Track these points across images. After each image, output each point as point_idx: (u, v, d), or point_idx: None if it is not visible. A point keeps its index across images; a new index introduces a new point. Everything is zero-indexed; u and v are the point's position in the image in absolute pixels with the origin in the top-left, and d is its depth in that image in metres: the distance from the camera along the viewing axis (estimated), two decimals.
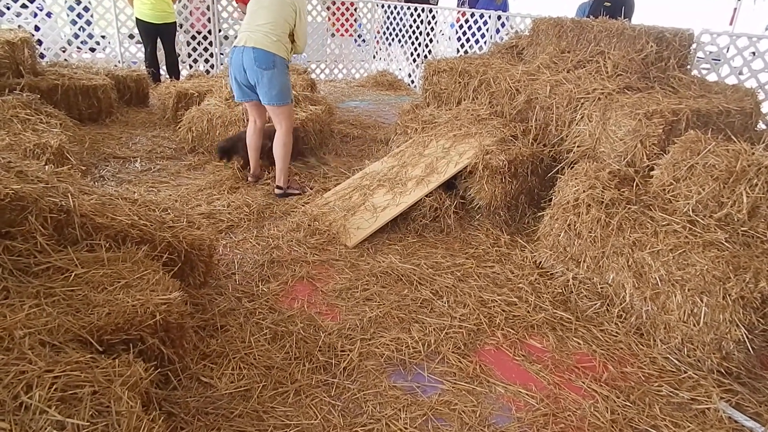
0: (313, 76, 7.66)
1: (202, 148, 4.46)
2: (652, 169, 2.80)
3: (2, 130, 3.30)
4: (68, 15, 6.78)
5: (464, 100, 4.17)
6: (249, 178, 3.83)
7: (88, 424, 1.28)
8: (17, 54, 4.54)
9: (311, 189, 3.81)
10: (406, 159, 3.71)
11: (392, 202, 3.33)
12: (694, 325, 2.16)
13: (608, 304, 2.52)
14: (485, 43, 6.67)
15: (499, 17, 6.60)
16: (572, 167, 3.08)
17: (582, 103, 3.34)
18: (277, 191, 3.65)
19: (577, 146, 3.32)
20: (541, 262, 2.92)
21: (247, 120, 3.77)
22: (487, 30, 6.66)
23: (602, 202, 2.61)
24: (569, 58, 3.86)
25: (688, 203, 2.45)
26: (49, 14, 6.53)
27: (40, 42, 6.25)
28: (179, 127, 4.57)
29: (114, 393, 1.39)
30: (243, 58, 3.29)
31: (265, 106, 3.49)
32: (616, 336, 2.38)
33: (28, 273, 1.78)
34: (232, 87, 3.57)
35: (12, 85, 4.35)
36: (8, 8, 6.04)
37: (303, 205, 3.51)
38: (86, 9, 6.64)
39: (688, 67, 3.92)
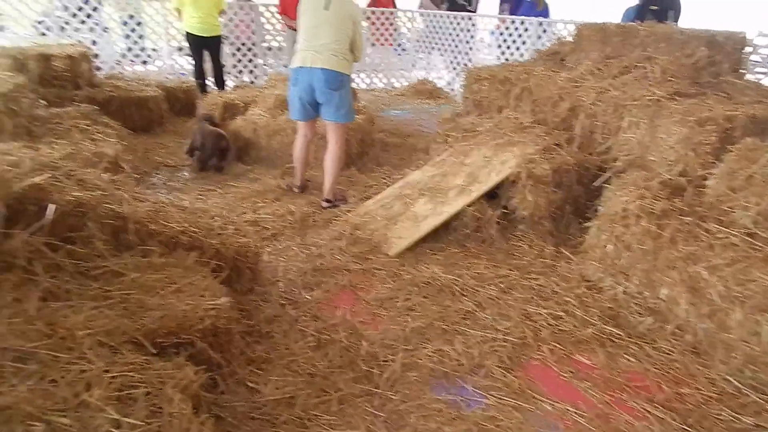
0: (354, 85, 7.74)
1: (248, 157, 4.57)
2: (706, 178, 2.68)
3: (63, 139, 3.47)
4: (122, 30, 7.12)
5: (505, 108, 4.13)
6: (295, 189, 3.85)
7: (142, 424, 1.32)
8: (77, 67, 4.78)
9: (353, 197, 3.84)
10: (447, 168, 3.69)
11: (433, 211, 3.32)
12: (757, 345, 2.04)
13: (661, 321, 2.42)
14: (526, 50, 6.60)
15: (540, 24, 6.52)
16: (620, 176, 2.99)
17: (629, 110, 3.25)
18: (324, 204, 3.69)
19: (625, 155, 3.22)
20: (588, 274, 2.84)
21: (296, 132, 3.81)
22: (528, 37, 6.59)
23: (653, 212, 2.53)
24: (615, 65, 3.77)
25: (747, 215, 2.33)
26: (105, 29, 6.86)
27: (96, 56, 6.56)
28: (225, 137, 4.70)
29: (166, 395, 1.43)
30: (312, 79, 3.32)
31: (328, 122, 3.52)
32: (671, 354, 2.27)
33: (88, 276, 1.86)
34: (292, 105, 3.57)
35: (72, 96, 4.59)
36: (68, 24, 6.38)
37: (345, 214, 3.55)
38: (139, 23, 6.95)
39: (743, 71, 3.76)
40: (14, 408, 1.20)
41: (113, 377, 1.40)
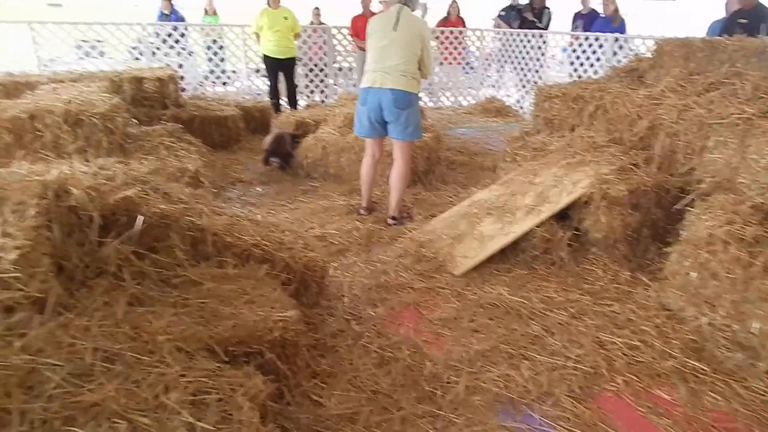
0: (421, 103, 7.80)
1: (317, 174, 4.71)
2: None
3: (151, 155, 3.74)
4: (206, 53, 7.61)
5: (578, 126, 4.00)
6: (361, 212, 3.87)
7: (214, 429, 1.37)
8: (165, 89, 5.17)
9: (419, 215, 3.84)
10: (515, 187, 3.61)
11: (500, 231, 3.25)
12: None
13: (752, 357, 2.22)
14: (600, 66, 6.38)
15: (616, 39, 6.29)
16: (704, 199, 2.80)
17: (715, 129, 3.04)
18: (390, 221, 3.72)
19: (711, 176, 3.02)
20: (668, 303, 2.66)
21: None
22: (603, 53, 6.37)
23: (743, 239, 2.33)
24: (699, 81, 3.56)
25: None
26: (190, 53, 7.37)
27: (182, 77, 7.06)
28: (296, 154, 4.88)
29: (236, 402, 1.48)
30: (381, 99, 3.38)
31: (395, 141, 3.57)
32: (764, 395, 2.07)
33: (169, 284, 1.98)
34: (360, 123, 3.62)
35: (160, 115, 4.96)
36: (158, 49, 6.91)
37: (410, 232, 3.55)
38: (221, 47, 7.41)
39: None
40: (102, 405, 1.29)
41: (189, 382, 1.47)
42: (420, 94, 8.16)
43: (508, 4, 8.71)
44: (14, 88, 4.56)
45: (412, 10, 3.45)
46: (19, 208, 1.70)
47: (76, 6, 15.85)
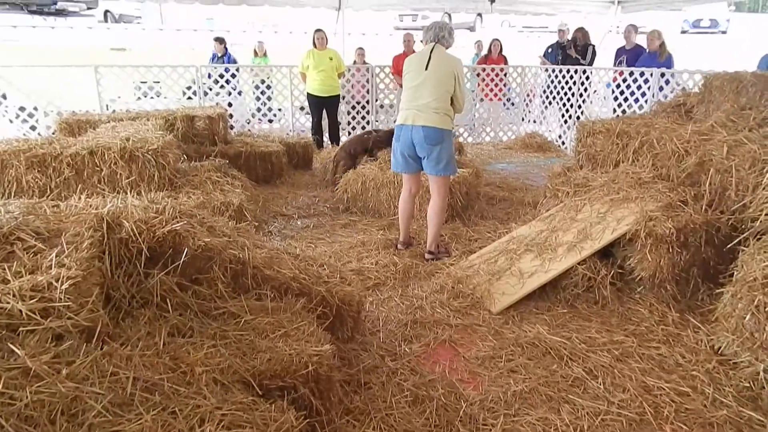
0: (461, 139, 7.85)
1: (355, 208, 4.78)
2: None
3: (198, 189, 3.91)
4: (254, 93, 7.97)
5: (622, 162, 3.91)
6: (399, 246, 3.90)
7: None
8: (214, 126, 5.42)
9: (456, 250, 3.82)
10: (557, 223, 3.55)
11: (540, 268, 3.19)
12: None
13: None
14: (646, 101, 6.26)
15: (662, 74, 6.18)
16: (759, 238, 2.67)
17: None
18: (427, 256, 3.72)
19: (766, 214, 2.87)
20: (720, 347, 2.51)
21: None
22: (649, 88, 6.26)
23: None
24: (751, 116, 3.44)
25: None
26: (239, 92, 7.74)
27: (231, 115, 7.39)
28: (336, 189, 4.98)
29: None
30: (413, 136, 3.46)
31: (429, 176, 3.61)
32: None
33: (209, 316, 2.03)
34: (395, 158, 3.70)
35: (208, 151, 5.19)
36: (210, 89, 7.29)
37: (447, 267, 3.53)
38: (268, 87, 7.74)
39: None
40: None
41: (223, 415, 1.50)
42: (461, 130, 8.25)
43: (554, 41, 8.76)
44: (78, 126, 4.90)
45: (447, 47, 3.51)
46: (75, 239, 1.81)
47: (138, 50, 17.00)
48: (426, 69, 3.42)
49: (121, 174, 3.67)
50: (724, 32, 19.97)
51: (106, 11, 18.28)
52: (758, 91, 3.60)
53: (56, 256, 1.67)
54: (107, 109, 6.83)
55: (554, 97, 7.84)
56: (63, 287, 1.51)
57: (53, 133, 5.23)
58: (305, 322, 2.10)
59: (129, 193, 2.76)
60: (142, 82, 7.34)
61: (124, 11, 18.76)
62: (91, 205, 2.19)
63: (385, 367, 2.43)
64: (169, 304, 1.96)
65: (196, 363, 1.65)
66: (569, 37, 8.12)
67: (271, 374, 1.79)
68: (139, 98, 7.34)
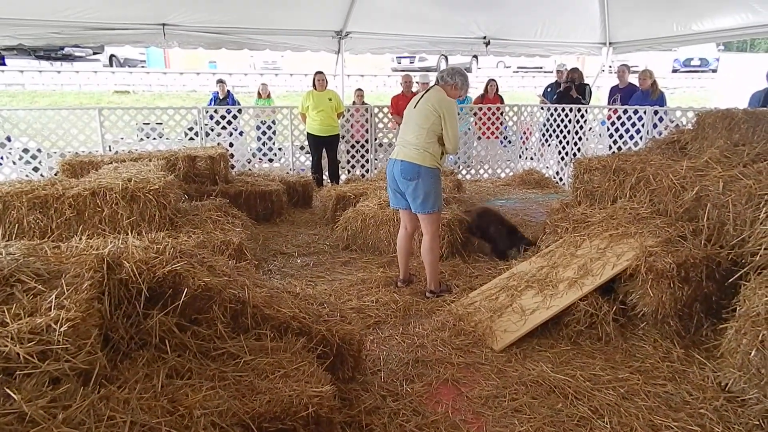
0: (459, 177, 7.93)
1: (355, 246, 4.79)
2: None
3: (199, 229, 3.93)
4: (255, 133, 8.10)
5: (620, 198, 3.95)
6: (399, 284, 3.89)
7: None
8: (215, 166, 5.49)
9: (457, 287, 3.80)
10: (557, 259, 3.55)
11: (542, 304, 3.17)
12: None
13: None
14: (641, 138, 6.36)
15: (656, 112, 6.30)
16: (760, 273, 2.67)
17: (766, 201, 2.94)
18: (428, 294, 3.71)
19: (765, 248, 2.88)
20: (727, 384, 2.47)
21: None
22: (643, 125, 6.38)
23: None
24: (744, 152, 3.50)
25: None
26: (241, 133, 7.86)
27: (232, 155, 7.49)
28: (336, 226, 5.00)
29: None
30: (394, 170, 3.58)
31: (416, 213, 3.63)
32: None
33: (208, 356, 2.01)
34: (389, 194, 3.83)
35: (209, 191, 5.24)
36: (212, 130, 7.42)
37: (448, 304, 3.51)
38: (269, 127, 7.88)
39: None
40: None
41: None
42: (460, 167, 8.33)
43: (553, 81, 9.00)
44: (80, 167, 4.96)
45: (455, 87, 3.57)
46: (75, 280, 1.81)
47: (141, 92, 17.37)
48: (414, 108, 3.56)
49: (122, 214, 3.69)
50: (714, 71, 20.47)
51: (112, 56, 18.77)
52: (750, 127, 3.67)
53: (56, 298, 1.66)
54: (110, 150, 6.92)
55: (552, 134, 7.97)
56: (62, 329, 1.50)
57: (56, 174, 5.28)
58: (305, 362, 2.07)
59: (130, 233, 2.77)
60: (144, 124, 7.48)
61: (129, 56, 19.26)
62: (91, 246, 2.19)
63: (386, 407, 2.38)
64: (167, 345, 1.94)
65: (195, 405, 1.62)
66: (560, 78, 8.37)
67: (271, 416, 1.75)
68: (141, 139, 7.46)
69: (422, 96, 3.56)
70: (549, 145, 8.22)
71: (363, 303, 3.52)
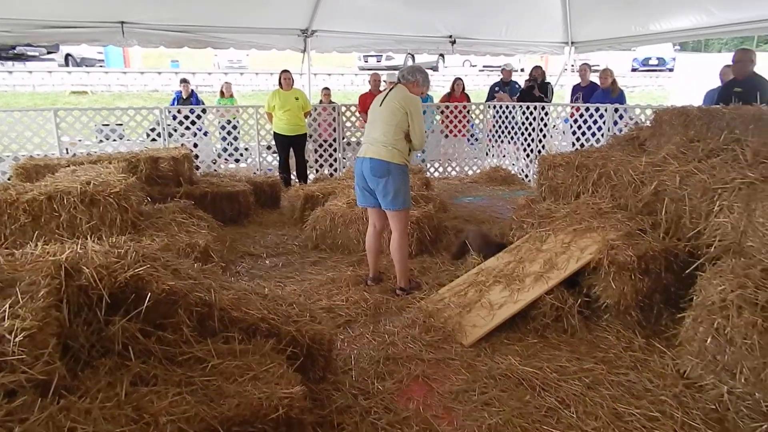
0: (428, 174, 7.98)
1: (325, 245, 4.76)
2: None
3: (163, 232, 3.83)
4: (220, 133, 7.95)
5: (583, 193, 4.05)
6: (368, 282, 3.90)
7: None
8: (179, 167, 5.36)
9: (426, 284, 3.83)
10: (523, 254, 3.62)
11: (510, 299, 3.22)
12: None
13: None
14: (602, 135, 6.54)
15: (616, 110, 6.49)
16: (714, 263, 2.78)
17: (720, 194, 3.07)
18: (398, 292, 3.73)
19: (719, 240, 3.01)
20: (686, 371, 2.57)
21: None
22: (604, 123, 6.56)
23: (756, 303, 2.29)
24: (699, 147, 3.63)
25: None
26: (205, 133, 7.71)
27: (197, 156, 7.34)
28: (305, 226, 4.96)
29: None
30: (363, 168, 3.58)
31: (386, 211, 3.65)
32: None
33: (174, 362, 1.96)
34: (356, 193, 3.82)
35: (173, 193, 5.11)
36: (175, 130, 7.25)
37: (418, 301, 3.53)
38: (235, 127, 7.75)
39: None
40: None
41: None
42: (427, 165, 8.38)
43: (498, 80, 9.18)
44: (35, 171, 4.77)
45: (416, 85, 3.61)
46: (31, 288, 1.74)
47: (99, 92, 16.83)
48: (380, 105, 3.57)
49: (81, 219, 3.57)
50: (671, 70, 21.20)
51: (68, 55, 18.10)
52: (704, 124, 3.82)
53: (9, 307, 1.59)
54: (67, 152, 6.68)
55: (515, 132, 8.11)
56: (16, 339, 1.45)
57: (9, 179, 5.07)
58: (275, 363, 2.05)
59: (89, 238, 2.68)
60: (104, 125, 7.23)
61: (86, 55, 18.61)
62: (48, 252, 2.11)
63: (358, 406, 2.38)
64: (131, 352, 1.89)
65: (160, 412, 1.59)
66: (517, 76, 8.51)
67: (240, 420, 1.73)
68: (101, 141, 7.22)
69: (387, 94, 3.58)
70: (511, 142, 8.35)
71: (333, 302, 3.51)
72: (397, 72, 3.74)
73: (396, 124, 3.48)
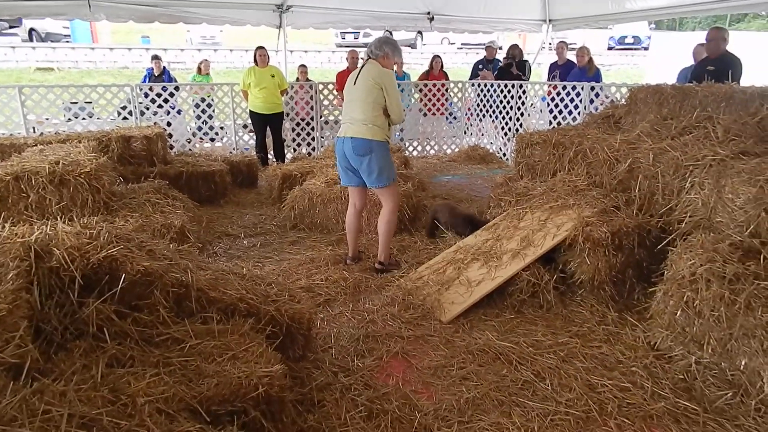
0: (406, 153, 7.96)
1: (303, 225, 4.74)
2: None
3: (137, 212, 3.75)
4: (194, 111, 7.77)
5: (559, 171, 4.09)
6: (348, 261, 3.89)
7: None
8: (152, 147, 5.23)
9: (406, 263, 3.85)
10: (501, 232, 3.66)
11: (487, 276, 3.27)
12: None
13: (742, 394, 2.21)
14: (579, 113, 6.60)
15: (592, 88, 6.54)
16: (685, 239, 2.85)
17: (691, 171, 3.14)
18: (377, 266, 3.74)
19: (689, 216, 3.08)
20: (656, 343, 2.65)
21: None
22: (581, 101, 6.61)
23: (724, 277, 2.37)
24: (672, 125, 3.70)
25: None
26: (179, 111, 7.52)
27: (170, 135, 7.17)
28: (283, 206, 4.92)
29: None
30: (344, 148, 3.55)
31: (373, 189, 3.65)
32: None
33: (151, 343, 1.94)
34: (339, 172, 3.80)
35: (147, 173, 5.00)
36: (147, 109, 7.06)
37: (397, 279, 3.55)
38: (209, 105, 7.58)
39: None
40: None
41: None
42: (406, 143, 8.34)
43: (481, 58, 9.14)
44: (1, 151, 4.60)
45: (386, 57, 3.55)
46: None
47: (66, 68, 16.22)
48: (354, 84, 3.54)
49: (50, 200, 3.46)
50: (646, 48, 21.39)
51: (31, 29, 17.35)
52: (678, 102, 3.87)
53: None
54: (34, 131, 6.45)
55: (494, 111, 8.12)
56: None
57: None
58: (254, 343, 2.04)
59: (60, 219, 2.61)
60: (72, 103, 6.99)
61: (50, 29, 17.85)
62: (16, 234, 2.05)
63: (338, 383, 2.40)
64: (106, 334, 1.86)
65: (138, 393, 1.57)
66: (497, 54, 8.49)
67: (220, 399, 1.73)
68: (69, 120, 6.99)
69: (359, 72, 3.54)
70: (488, 120, 8.37)
71: (312, 282, 3.51)
72: (366, 48, 3.67)
73: (373, 101, 3.45)
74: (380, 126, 3.49)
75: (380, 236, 3.74)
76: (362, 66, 3.58)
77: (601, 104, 6.24)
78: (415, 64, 16.68)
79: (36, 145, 4.50)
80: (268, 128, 7.13)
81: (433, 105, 8.48)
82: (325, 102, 7.91)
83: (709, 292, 2.36)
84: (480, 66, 8.94)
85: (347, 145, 3.52)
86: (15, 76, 14.70)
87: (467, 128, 9.02)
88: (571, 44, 9.16)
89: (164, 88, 7.17)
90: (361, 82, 3.50)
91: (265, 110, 6.91)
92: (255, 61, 6.91)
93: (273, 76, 6.89)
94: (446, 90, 8.64)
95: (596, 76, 7.14)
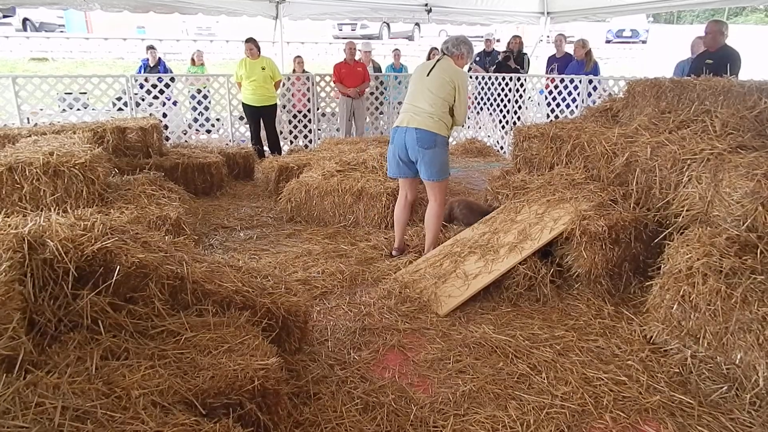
0: None
1: (300, 217, 4.72)
2: None
3: (132, 204, 3.73)
4: (190, 102, 7.72)
5: (557, 165, 4.09)
6: (393, 252, 3.89)
7: None
8: (148, 138, 5.20)
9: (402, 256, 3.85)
10: (498, 225, 3.65)
11: (484, 269, 3.26)
12: None
13: (737, 388, 2.21)
14: (576, 107, 6.58)
15: (590, 81, 6.52)
16: (682, 233, 2.85)
17: (689, 165, 3.14)
18: (395, 253, 3.81)
19: (686, 210, 3.08)
20: (652, 336, 2.66)
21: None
22: (578, 94, 6.59)
23: (721, 271, 2.37)
24: (670, 119, 3.69)
25: None
26: (174, 103, 7.47)
27: (166, 126, 7.12)
28: (280, 198, 4.90)
29: None
30: (406, 138, 3.52)
31: (424, 181, 3.64)
32: (751, 427, 2.06)
33: (146, 335, 1.93)
34: (389, 162, 3.76)
35: (142, 164, 4.96)
36: (143, 100, 7.00)
37: (394, 272, 3.54)
38: (205, 96, 7.52)
39: None
40: None
41: None
42: None
43: (481, 50, 9.09)
44: None
45: (461, 57, 3.58)
46: None
47: (61, 59, 16.07)
48: (427, 76, 3.51)
49: (45, 191, 3.43)
50: (644, 41, 21.35)
51: (25, 19, 17.16)
52: (676, 95, 3.86)
53: None
54: (28, 122, 6.40)
55: (491, 104, 8.09)
56: None
57: None
58: (250, 335, 2.04)
59: (54, 210, 2.58)
60: (66, 93, 6.92)
61: (45, 19, 17.65)
62: (9, 225, 2.03)
63: (334, 376, 2.40)
64: (101, 326, 1.85)
65: (132, 386, 1.56)
66: (496, 47, 8.44)
67: (215, 392, 1.72)
68: (64, 110, 6.92)
69: (434, 65, 3.52)
70: (486, 113, 8.34)
71: (309, 274, 3.50)
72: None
73: (444, 96, 3.45)
74: (446, 123, 3.50)
75: (429, 230, 3.74)
76: (438, 60, 3.56)
77: (599, 97, 6.23)
78: (412, 55, 16.58)
79: (30, 135, 4.45)
80: (261, 121, 7.10)
81: None
82: (322, 94, 7.86)
83: (705, 286, 2.36)
84: (477, 58, 8.90)
85: (410, 136, 3.48)
86: (9, 66, 14.56)
87: (465, 121, 8.99)
88: (569, 37, 9.12)
89: (159, 79, 7.11)
90: (435, 76, 3.47)
91: (256, 102, 6.87)
92: (246, 52, 6.86)
93: (264, 68, 6.82)
94: None
95: (594, 70, 7.12)
